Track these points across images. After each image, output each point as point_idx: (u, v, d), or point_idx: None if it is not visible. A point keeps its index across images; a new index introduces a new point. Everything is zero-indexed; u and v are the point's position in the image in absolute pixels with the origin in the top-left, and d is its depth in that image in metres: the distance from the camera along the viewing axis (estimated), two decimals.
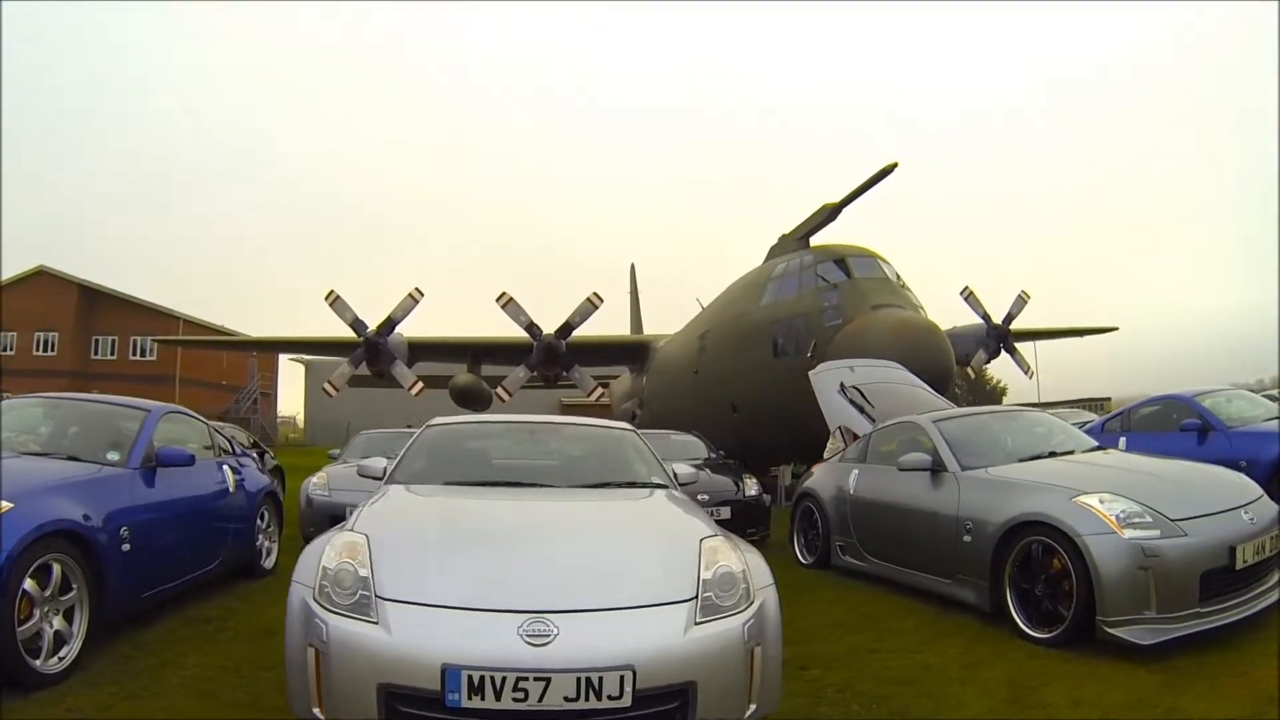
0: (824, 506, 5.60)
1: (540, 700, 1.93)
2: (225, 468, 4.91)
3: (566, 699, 1.94)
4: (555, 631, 2.03)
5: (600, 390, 14.92)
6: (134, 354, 35.20)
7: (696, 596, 2.24)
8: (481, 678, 1.93)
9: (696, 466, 7.46)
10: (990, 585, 3.74)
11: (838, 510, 5.43)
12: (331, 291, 13.73)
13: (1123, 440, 7.08)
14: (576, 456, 3.86)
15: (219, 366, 37.84)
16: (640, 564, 2.38)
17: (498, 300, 13.54)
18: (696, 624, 2.17)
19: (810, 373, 7.93)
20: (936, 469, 4.48)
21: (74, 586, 3.04)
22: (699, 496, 6.65)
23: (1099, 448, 4.73)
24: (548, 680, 1.94)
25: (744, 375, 11.72)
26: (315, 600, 2.17)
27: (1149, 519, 3.31)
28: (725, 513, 6.66)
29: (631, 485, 3.45)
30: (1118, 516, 3.31)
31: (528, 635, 2.02)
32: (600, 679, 1.95)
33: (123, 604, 3.39)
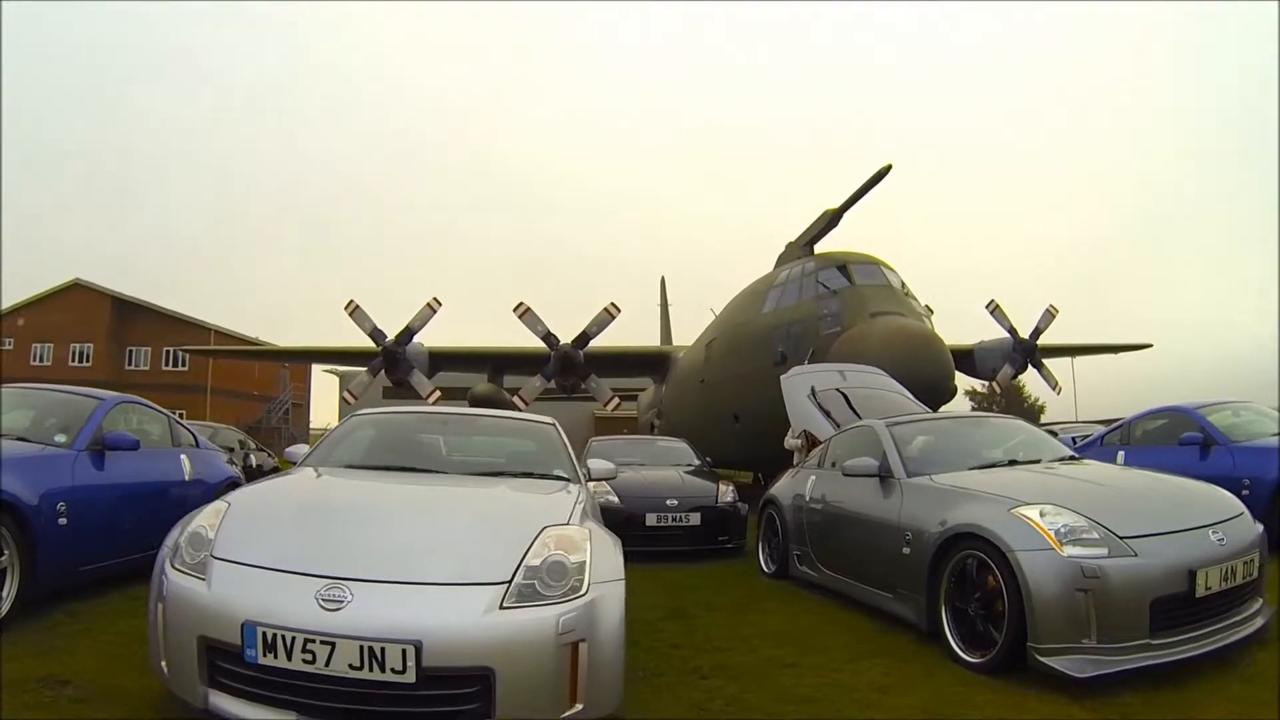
0: (784, 514, 5.65)
1: (326, 664, 2.08)
2: (183, 457, 5.42)
3: (351, 666, 2.08)
4: (349, 598, 2.18)
5: (617, 401, 15.27)
6: (167, 364, 37.22)
7: (510, 581, 2.31)
8: (275, 636, 2.12)
9: (690, 471, 7.92)
10: (927, 602, 3.59)
11: (795, 518, 5.46)
12: (351, 301, 14.58)
13: (1121, 455, 7.09)
14: (484, 446, 4.18)
15: (251, 377, 39.69)
16: (464, 544, 2.50)
17: (515, 310, 14.17)
18: (502, 608, 2.23)
19: (781, 376, 8.06)
20: (884, 475, 4.42)
21: (4, 552, 3.51)
22: (668, 501, 6.96)
23: (1072, 458, 4.60)
24: (333, 645, 2.09)
25: (746, 384, 12.00)
26: (168, 560, 2.50)
27: (1094, 535, 3.10)
28: (695, 519, 6.95)
29: (526, 475, 3.68)
30: (1058, 531, 3.11)
31: (322, 599, 2.18)
32: (383, 650, 2.07)
33: (57, 574, 3.85)
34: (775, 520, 5.80)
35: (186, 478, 5.33)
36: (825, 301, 10.22)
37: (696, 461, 8.83)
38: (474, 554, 2.43)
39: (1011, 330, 14.90)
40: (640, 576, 5.76)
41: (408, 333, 14.51)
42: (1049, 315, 15.00)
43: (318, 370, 41.11)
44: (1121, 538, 3.11)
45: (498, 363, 17.60)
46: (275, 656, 2.14)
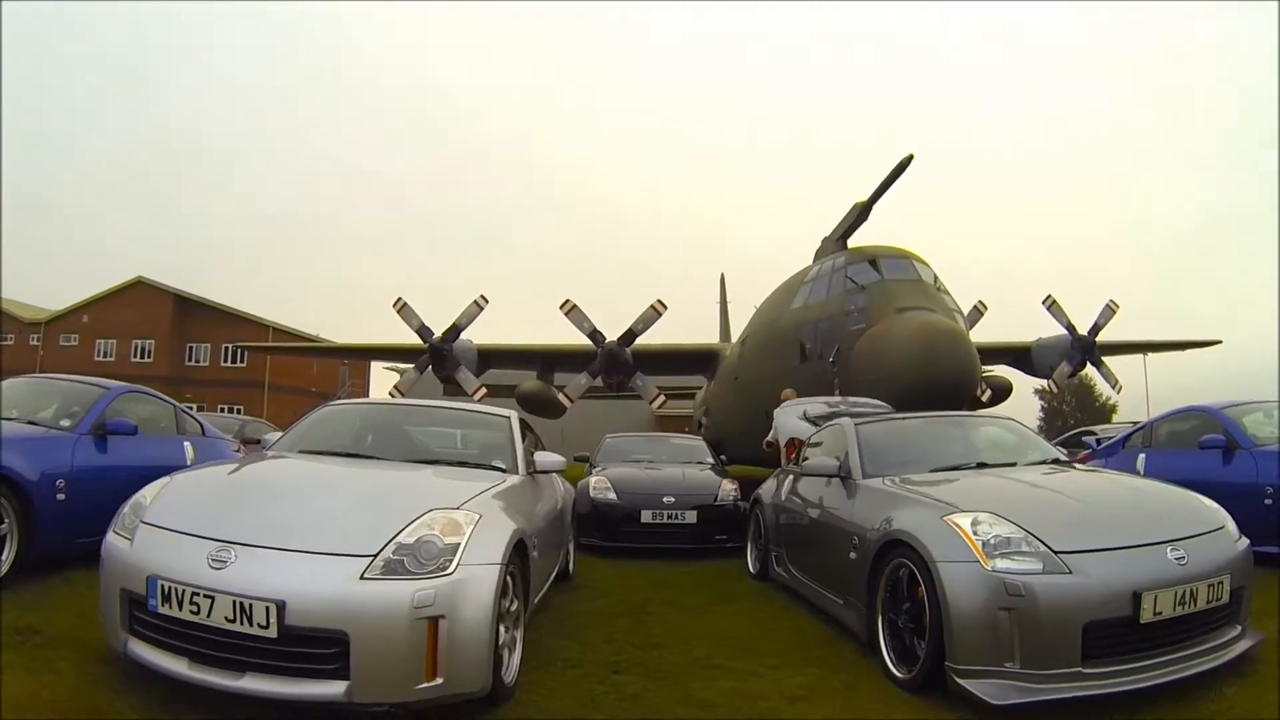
0: (765, 515, 5.83)
1: (208, 616, 2.50)
2: (186, 444, 6.09)
3: (226, 619, 2.48)
4: (233, 559, 2.59)
5: (663, 399, 15.59)
6: (226, 361, 39.76)
7: (376, 555, 2.61)
8: (170, 588, 2.58)
9: (697, 468, 8.21)
10: (866, 610, 3.59)
11: (773, 519, 5.62)
12: (399, 299, 15.41)
13: (1141, 458, 6.97)
14: (436, 437, 4.61)
15: (309, 373, 41.98)
16: (346, 519, 2.83)
17: (561, 307, 14.67)
18: (362, 579, 2.54)
19: (775, 410, 8.34)
20: (843, 476, 4.47)
21: (4, 521, 4.16)
22: (664, 499, 7.27)
23: (1056, 461, 4.56)
24: (213, 599, 2.51)
25: (775, 381, 12.10)
26: (113, 525, 3.02)
27: (1027, 549, 2.97)
28: (691, 517, 7.25)
29: (462, 464, 4.09)
30: (986, 543, 3.00)
31: (211, 559, 2.60)
32: (251, 606, 2.45)
33: (54, 543, 4.49)
34: (759, 520, 5.98)
35: (189, 462, 5.97)
36: (853, 297, 10.29)
37: (709, 460, 9.12)
38: (351, 528, 2.77)
39: (1069, 327, 14.98)
40: (625, 572, 6.25)
41: (454, 330, 15.23)
42: (1109, 311, 15.03)
43: (377, 367, 43.33)
44: (1056, 552, 2.96)
45: (547, 360, 18.12)
46: (170, 606, 2.60)
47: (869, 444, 4.66)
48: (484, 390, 16.42)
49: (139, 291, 39.56)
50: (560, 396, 16.19)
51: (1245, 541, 3.39)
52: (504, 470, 4.06)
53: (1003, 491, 3.69)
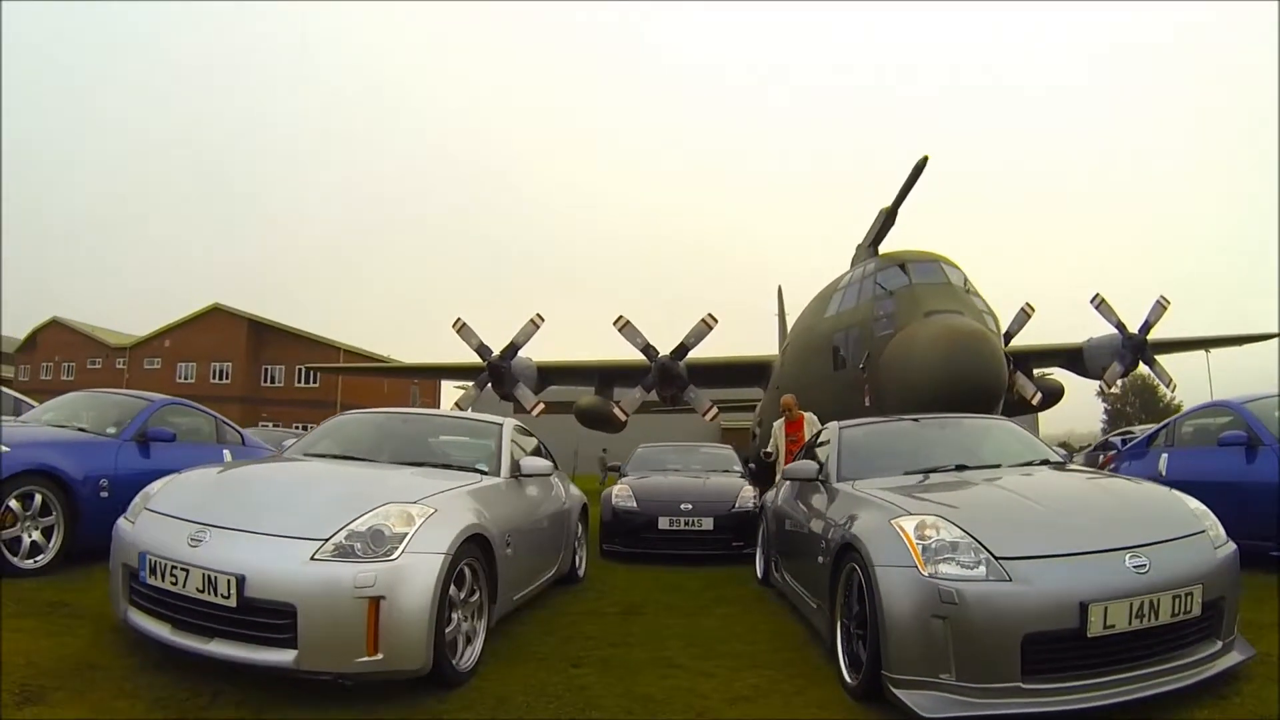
0: (768, 521, 6.05)
1: (184, 586, 2.99)
2: (225, 451, 6.80)
3: (197, 589, 2.96)
4: (207, 539, 3.08)
5: (716, 411, 15.95)
6: (299, 381, 42.23)
7: (328, 539, 3.00)
8: (155, 562, 3.11)
9: (721, 476, 8.51)
10: (829, 614, 3.63)
11: (773, 525, 5.81)
12: (458, 320, 16.30)
13: (1164, 459, 6.86)
14: (424, 441, 5.05)
15: (380, 392, 44.20)
16: (309, 508, 3.24)
17: (615, 324, 15.27)
18: (313, 560, 2.93)
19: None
20: (822, 480, 4.60)
21: (53, 512, 4.85)
22: (682, 506, 7.56)
23: (1045, 462, 4.53)
24: (188, 572, 3.00)
25: (810, 389, 12.31)
26: (125, 513, 3.59)
27: (970, 555, 2.92)
28: (708, 523, 7.54)
29: (446, 467, 4.50)
30: (926, 547, 2.98)
31: (190, 539, 3.10)
32: (216, 578, 2.92)
33: (97, 535, 5.14)
34: (766, 526, 6.20)
35: None
36: (882, 302, 10.47)
37: (737, 468, 9.35)
38: (311, 516, 3.17)
39: (1119, 325, 15.13)
40: (639, 576, 6.59)
41: (512, 348, 15.98)
42: (1159, 308, 15.08)
43: (447, 385, 45.27)
44: (999, 558, 2.89)
45: (604, 375, 18.80)
46: (156, 578, 3.11)
47: (849, 447, 4.80)
48: (541, 406, 17.08)
49: (216, 317, 43.11)
50: (616, 410, 16.71)
51: (1230, 548, 3.26)
52: (485, 473, 4.44)
53: (963, 495, 3.71)
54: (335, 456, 4.59)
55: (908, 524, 3.14)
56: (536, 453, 5.59)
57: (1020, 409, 16.49)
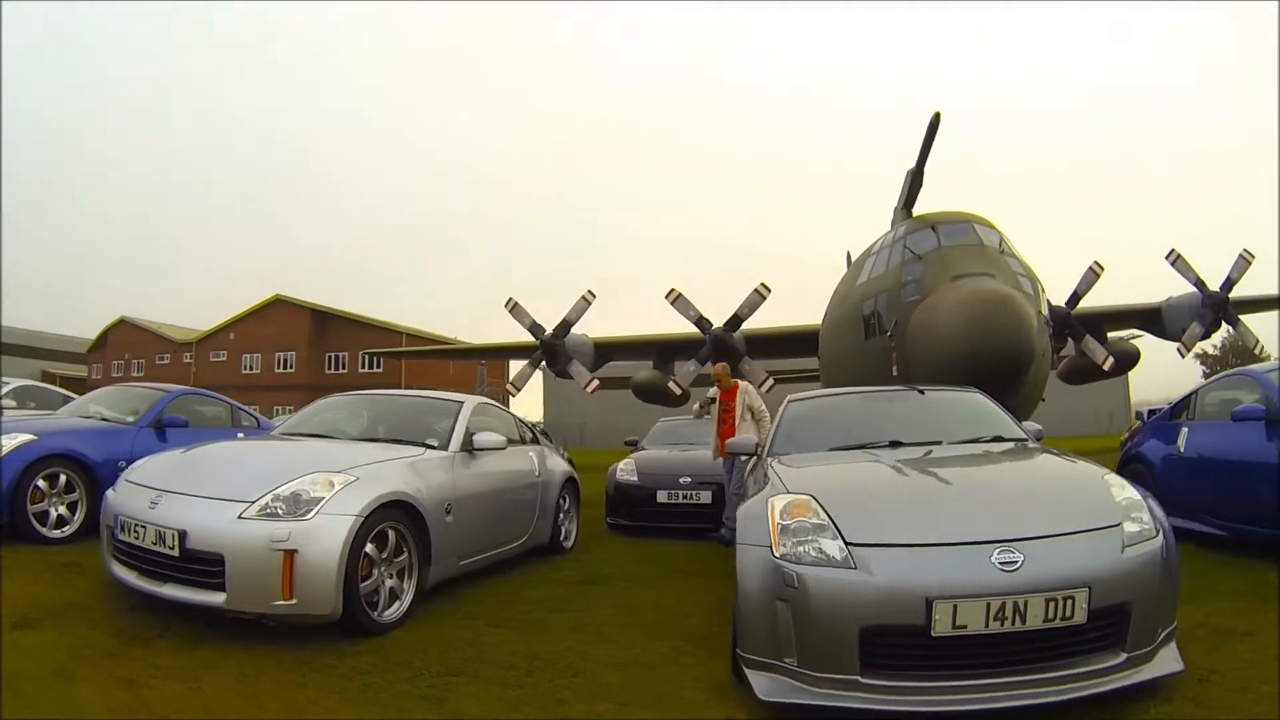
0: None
1: (142, 540, 3.88)
2: (239, 435, 7.84)
3: (152, 542, 3.86)
4: (161, 502, 4.00)
5: (771, 382, 16.15)
6: (363, 367, 44.72)
7: (254, 501, 3.81)
8: (124, 522, 4.06)
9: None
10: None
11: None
12: (510, 299, 17.43)
13: (1184, 434, 6.72)
14: (388, 419, 5.84)
15: (445, 374, 46.30)
16: (249, 476, 4.07)
17: (667, 297, 16.02)
18: (240, 518, 3.74)
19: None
20: (758, 455, 4.87)
21: (76, 490, 5.93)
22: (681, 479, 8.19)
23: (998, 438, 4.56)
24: (145, 528, 3.89)
25: (844, 359, 12.67)
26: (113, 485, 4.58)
27: (825, 539, 2.99)
28: (706, 496, 8.16)
29: (396, 442, 5.21)
30: (785, 528, 3.07)
31: (150, 502, 4.00)
32: (165, 533, 3.81)
33: None
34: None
35: None
36: (910, 267, 10.53)
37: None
38: (246, 482, 4.01)
39: (1198, 283, 14.91)
40: (631, 548, 7.50)
41: (564, 325, 17.02)
42: (1243, 263, 14.78)
43: (515, 365, 47.13)
44: (850, 544, 2.94)
45: (662, 349, 19.54)
46: (125, 534, 4.04)
47: (789, 421, 5.08)
48: (596, 383, 17.96)
49: (278, 308, 46.66)
50: (671, 384, 17.44)
51: (1148, 547, 3.03)
52: (434, 447, 5.17)
53: (855, 473, 3.90)
54: (305, 435, 5.46)
55: (779, 503, 3.24)
56: (520, 430, 6.45)
57: (1091, 374, 16.36)
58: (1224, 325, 15.34)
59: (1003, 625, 2.72)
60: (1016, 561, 2.81)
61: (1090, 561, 2.89)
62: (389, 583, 4.19)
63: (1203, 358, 52.17)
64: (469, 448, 5.39)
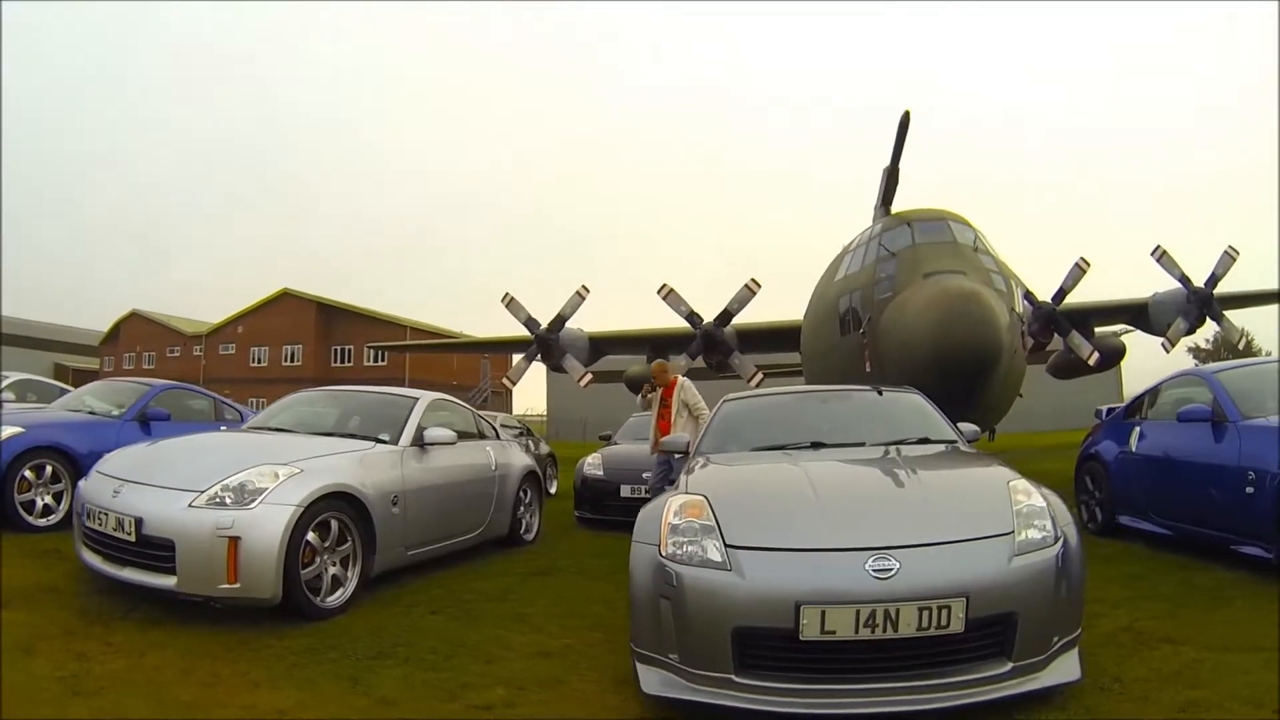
0: None
1: (104, 526, 4.25)
2: (222, 428, 8.18)
3: (112, 529, 4.20)
4: (123, 491, 4.32)
5: (761, 376, 16.09)
6: (368, 360, 45.17)
7: (204, 491, 4.13)
8: (89, 510, 4.41)
9: None
10: None
11: None
12: (507, 294, 17.36)
13: (1135, 433, 6.70)
14: (346, 415, 6.18)
15: (449, 367, 46.77)
16: (202, 468, 4.36)
17: (659, 292, 15.93)
18: (190, 507, 4.09)
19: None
20: (690, 453, 4.98)
21: (62, 480, 6.28)
22: (644, 474, 8.49)
23: (925, 440, 4.61)
24: (107, 515, 4.25)
25: (821, 355, 12.89)
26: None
27: (706, 539, 3.09)
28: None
29: (350, 436, 5.55)
30: (675, 526, 3.19)
31: (112, 491, 4.36)
32: (124, 520, 4.15)
33: None
34: None
35: None
36: (884, 264, 10.66)
37: None
38: (197, 473, 4.34)
39: (1183, 279, 14.92)
40: (593, 541, 7.82)
41: (559, 320, 16.87)
42: (1228, 259, 14.84)
43: (517, 359, 47.50)
44: (729, 547, 3.04)
45: (655, 344, 19.35)
46: (92, 521, 4.38)
47: (721, 420, 5.23)
48: (589, 377, 18.18)
49: (286, 302, 47.40)
50: None
51: (1043, 555, 3.02)
52: (385, 441, 5.48)
53: (760, 476, 4.03)
54: (270, 429, 5.80)
55: (675, 503, 3.35)
56: (478, 425, 6.83)
57: (1079, 369, 16.49)
58: (1209, 321, 15.40)
59: (873, 632, 2.76)
60: (891, 569, 2.84)
61: (970, 571, 2.89)
62: (332, 570, 4.48)
63: (1195, 351, 52.16)
64: (420, 442, 5.67)
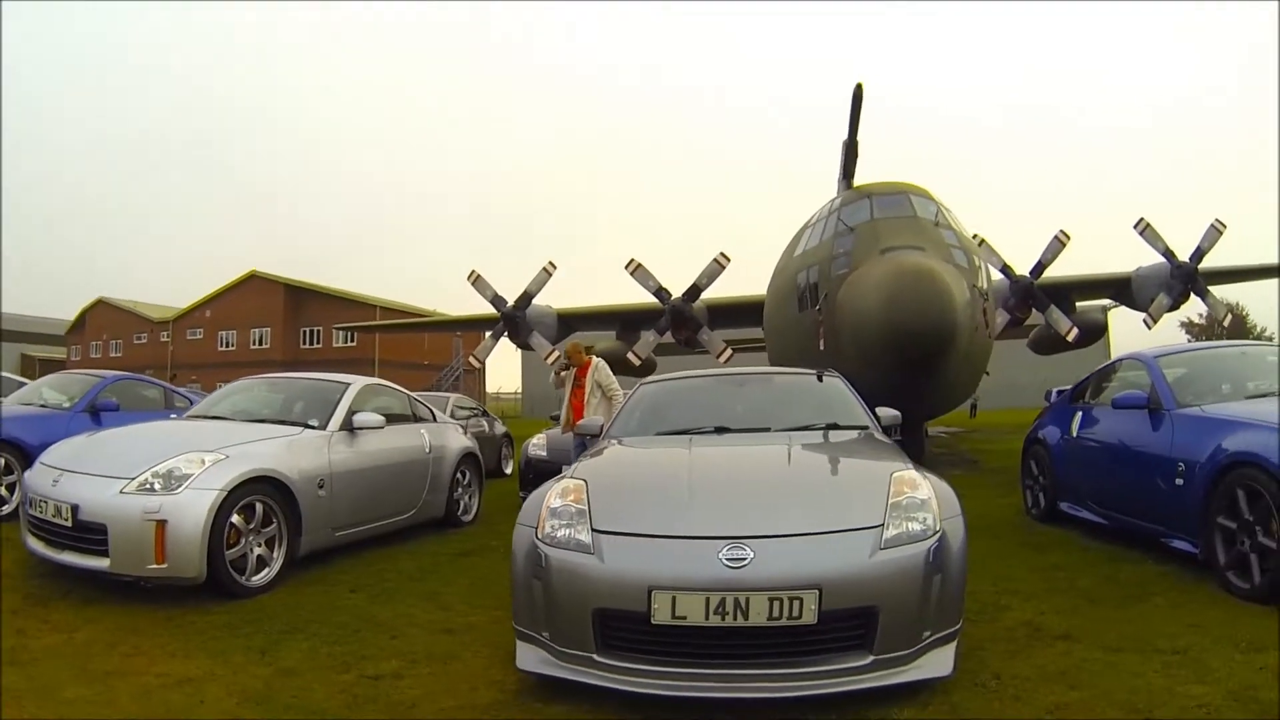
0: None
1: (46, 514, 4.56)
2: (172, 415, 8.46)
3: (51, 517, 4.54)
4: (60, 479, 4.67)
5: (730, 353, 16.35)
6: (337, 341, 45.07)
7: (134, 478, 4.47)
8: (33, 498, 4.74)
9: None
10: None
11: None
12: (473, 271, 17.50)
13: (1077, 417, 6.56)
14: (280, 401, 6.51)
15: (420, 347, 46.79)
16: (133, 455, 4.71)
17: (626, 267, 16.07)
18: (121, 493, 4.42)
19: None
20: (601, 435, 5.03)
21: (14, 473, 6.59)
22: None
23: (833, 426, 4.61)
24: (48, 503, 4.57)
25: (781, 333, 12.91)
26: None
27: (577, 524, 3.20)
28: None
29: (280, 422, 5.86)
30: (553, 510, 3.30)
31: (53, 480, 4.71)
32: (61, 506, 4.49)
33: None
34: None
35: None
36: (842, 239, 10.47)
37: None
38: (129, 461, 4.68)
39: (1167, 253, 14.72)
40: None
41: (525, 297, 17.09)
42: (1214, 233, 14.54)
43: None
44: (595, 530, 3.13)
45: (625, 320, 19.60)
46: (35, 509, 4.72)
47: (634, 404, 5.30)
48: (556, 354, 18.16)
49: (254, 284, 47.24)
50: (630, 355, 17.29)
51: (915, 549, 3.00)
52: (314, 427, 5.79)
53: (645, 461, 4.23)
54: (207, 417, 6.15)
55: (558, 486, 3.46)
56: (414, 409, 7.17)
57: (1060, 344, 16.29)
58: (1193, 296, 15.23)
59: (723, 620, 2.80)
60: (744, 559, 2.87)
61: (825, 563, 2.90)
62: (257, 551, 4.82)
63: (1188, 327, 52.17)
64: (350, 427, 5.96)
